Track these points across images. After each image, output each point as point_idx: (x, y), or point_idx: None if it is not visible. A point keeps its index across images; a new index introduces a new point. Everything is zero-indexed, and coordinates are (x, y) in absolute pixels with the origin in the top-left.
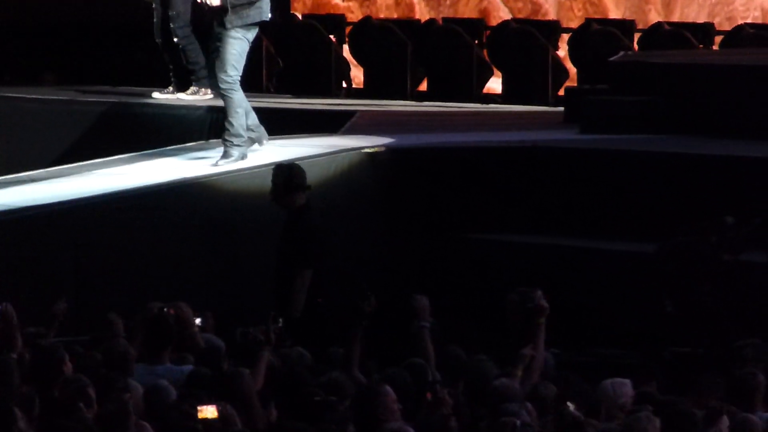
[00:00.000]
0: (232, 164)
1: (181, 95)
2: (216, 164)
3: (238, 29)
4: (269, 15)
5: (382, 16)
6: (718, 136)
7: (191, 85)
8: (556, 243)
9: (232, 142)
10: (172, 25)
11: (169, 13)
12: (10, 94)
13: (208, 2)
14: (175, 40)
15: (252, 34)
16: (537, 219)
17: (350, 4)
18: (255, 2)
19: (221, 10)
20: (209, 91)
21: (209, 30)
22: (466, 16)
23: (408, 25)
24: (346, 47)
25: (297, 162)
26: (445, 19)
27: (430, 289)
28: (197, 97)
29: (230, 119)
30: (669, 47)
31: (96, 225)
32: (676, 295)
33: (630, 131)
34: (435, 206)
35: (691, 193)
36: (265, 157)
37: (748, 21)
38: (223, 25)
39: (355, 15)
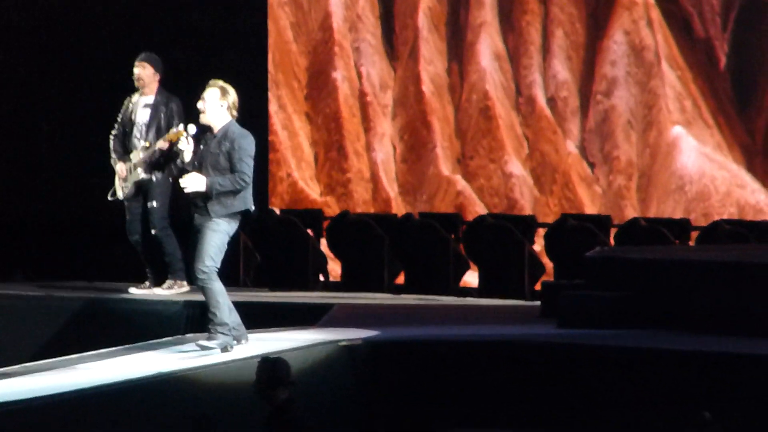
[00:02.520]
0: (214, 350)
1: (157, 290)
2: (198, 343)
3: (221, 219)
4: (253, 206)
5: (359, 210)
6: (695, 331)
7: (167, 279)
8: None
9: (216, 330)
10: (150, 217)
11: (148, 205)
12: None
13: (193, 187)
14: (153, 231)
15: (234, 225)
16: (514, 414)
17: (327, 199)
18: (239, 191)
19: (203, 198)
20: (185, 283)
21: (188, 222)
22: (442, 210)
23: (385, 219)
24: (323, 241)
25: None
26: (421, 214)
27: None
28: (173, 291)
29: (212, 309)
30: (646, 242)
31: (73, 421)
32: None
33: (607, 326)
34: (412, 400)
35: (668, 388)
36: (242, 351)
37: (724, 217)
38: (206, 214)
39: (332, 210)
